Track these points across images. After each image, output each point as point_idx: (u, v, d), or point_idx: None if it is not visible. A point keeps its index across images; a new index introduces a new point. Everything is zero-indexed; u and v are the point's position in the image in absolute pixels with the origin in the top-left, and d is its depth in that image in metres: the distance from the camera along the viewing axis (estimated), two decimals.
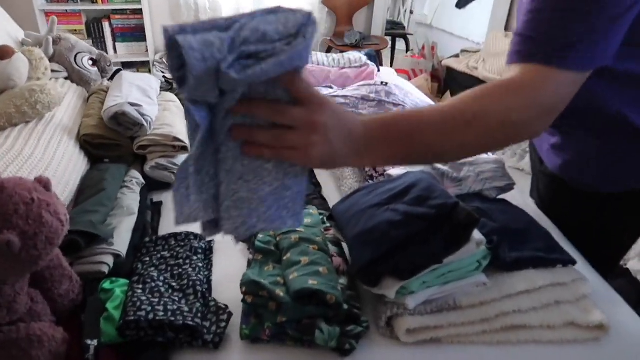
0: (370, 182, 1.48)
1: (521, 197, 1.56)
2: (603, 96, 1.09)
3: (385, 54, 4.42)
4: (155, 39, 4.06)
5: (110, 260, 1.16)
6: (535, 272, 1.15)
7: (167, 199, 1.54)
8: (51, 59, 1.75)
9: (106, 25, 3.87)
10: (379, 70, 2.34)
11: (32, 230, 0.80)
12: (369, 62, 2.25)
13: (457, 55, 4.36)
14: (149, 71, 3.95)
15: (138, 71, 4.06)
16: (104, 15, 3.87)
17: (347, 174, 1.57)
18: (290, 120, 0.70)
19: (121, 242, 1.22)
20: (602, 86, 1.05)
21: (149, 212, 1.45)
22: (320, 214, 1.39)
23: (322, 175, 1.65)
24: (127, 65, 4.06)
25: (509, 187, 1.43)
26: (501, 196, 1.42)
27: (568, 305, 1.12)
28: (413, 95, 2.02)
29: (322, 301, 1.03)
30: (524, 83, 0.90)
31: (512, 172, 1.48)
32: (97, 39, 3.90)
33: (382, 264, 1.07)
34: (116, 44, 4.00)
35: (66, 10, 3.75)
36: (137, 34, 3.95)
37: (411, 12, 6.04)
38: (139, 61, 4.02)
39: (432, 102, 2.19)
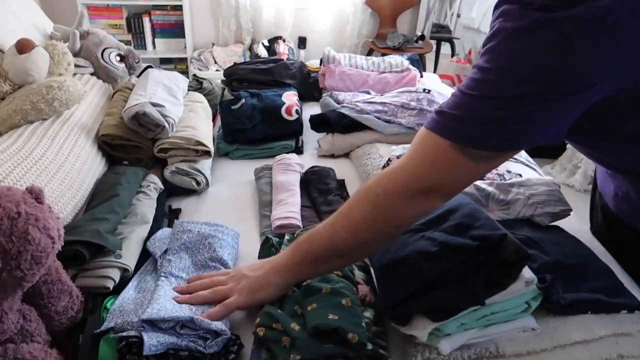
0: None
1: (576, 221, 1.38)
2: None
3: (430, 58, 4.24)
4: (194, 36, 4.02)
5: (116, 274, 1.07)
6: (594, 318, 0.99)
7: (186, 206, 1.44)
8: (77, 54, 1.69)
9: (146, 20, 3.86)
10: (421, 76, 2.19)
11: (15, 248, 0.71)
12: (411, 67, 2.10)
13: None
14: (186, 68, 3.93)
15: (176, 68, 4.05)
16: (144, 10, 3.86)
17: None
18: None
19: (130, 254, 1.12)
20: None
21: (166, 219, 1.36)
22: None
23: (353, 190, 1.52)
24: (165, 62, 4.05)
25: (565, 213, 1.26)
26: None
27: None
28: None
29: (343, 339, 0.90)
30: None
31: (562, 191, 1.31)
32: (137, 34, 3.90)
33: (413, 302, 0.93)
34: (155, 39, 3.99)
35: (107, 5, 3.77)
36: (176, 30, 3.92)
37: (458, 16, 5.81)
38: (177, 57, 4.00)
39: None
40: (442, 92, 1.87)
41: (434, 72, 4.46)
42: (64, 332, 0.98)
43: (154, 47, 4.04)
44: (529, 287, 0.95)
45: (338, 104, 1.78)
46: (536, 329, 0.97)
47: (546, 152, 3.44)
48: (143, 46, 3.95)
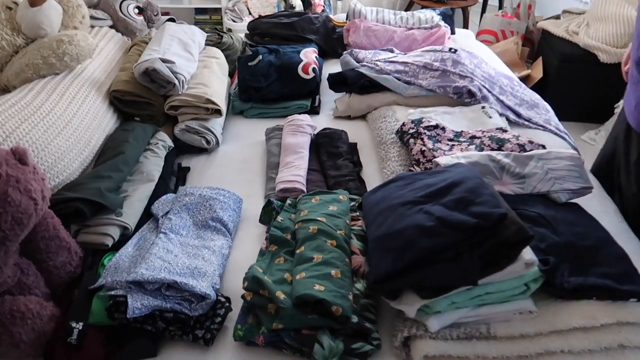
0: (416, 168, 1.29)
1: (599, 202, 1.29)
2: None
3: (475, 11, 3.99)
4: None
5: (116, 232, 1.09)
6: (598, 305, 0.93)
7: (195, 164, 1.44)
8: (96, 6, 1.68)
9: None
10: (453, 33, 2.06)
11: None
12: (442, 22, 1.97)
13: (557, 17, 3.83)
14: (221, 18, 3.87)
15: (210, 18, 3.99)
16: None
17: (392, 154, 1.38)
18: None
19: (132, 213, 1.14)
20: None
21: (173, 178, 1.37)
22: (352, 199, 1.23)
23: (365, 154, 1.47)
24: (199, 12, 4.00)
25: (585, 190, 1.18)
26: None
27: (637, 353, 0.90)
28: (487, 65, 1.74)
29: (327, 311, 0.89)
30: None
31: (584, 146, 1.22)
32: None
33: (403, 277, 0.90)
34: None
35: None
36: None
37: None
38: (212, 8, 3.93)
39: (511, 73, 1.89)
40: (471, 52, 1.75)
41: (479, 26, 4.19)
42: (64, 286, 1.02)
43: None
44: (529, 269, 0.90)
45: (358, 62, 1.70)
46: (533, 311, 0.92)
47: (591, 115, 3.22)
48: None
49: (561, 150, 1.23)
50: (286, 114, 1.63)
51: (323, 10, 3.55)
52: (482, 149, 1.29)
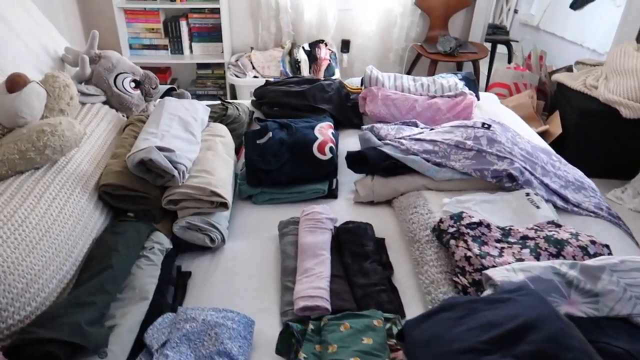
0: (461, 279, 1.08)
1: None
2: None
3: (483, 62, 3.88)
4: (232, 40, 3.84)
5: None
6: None
7: (198, 267, 1.24)
8: (88, 81, 1.51)
9: (183, 24, 3.71)
10: (478, 99, 1.89)
11: None
12: (466, 89, 1.80)
13: (569, 68, 3.72)
14: (223, 73, 3.76)
15: (213, 73, 3.88)
16: (182, 13, 3.71)
17: (429, 257, 1.17)
18: None
19: (120, 349, 0.92)
20: None
21: (171, 287, 1.15)
22: (388, 319, 1.01)
23: (396, 252, 1.26)
24: (201, 67, 3.89)
25: None
26: None
27: None
28: (522, 139, 1.56)
29: None
30: None
31: (633, 219, 1.02)
32: (174, 38, 3.76)
33: None
34: (192, 43, 3.83)
35: (144, 8, 3.63)
36: (213, 34, 3.75)
37: (515, 12, 5.38)
38: (214, 63, 3.83)
39: (546, 146, 1.72)
40: (505, 124, 1.57)
41: (487, 78, 4.09)
42: None
43: (191, 51, 3.88)
44: None
45: (380, 139, 1.52)
46: None
47: (614, 172, 3.05)
48: (180, 50, 3.80)
49: (637, 258, 1.02)
50: (301, 199, 1.44)
51: (329, 65, 3.44)
52: (538, 254, 1.09)
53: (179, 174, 1.22)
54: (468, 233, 1.14)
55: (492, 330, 0.80)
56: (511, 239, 1.15)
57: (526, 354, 0.74)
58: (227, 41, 3.76)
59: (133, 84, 1.55)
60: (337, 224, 1.31)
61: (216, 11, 3.66)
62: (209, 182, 1.26)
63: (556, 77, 3.38)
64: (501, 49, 4.39)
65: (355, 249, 1.21)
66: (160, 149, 1.21)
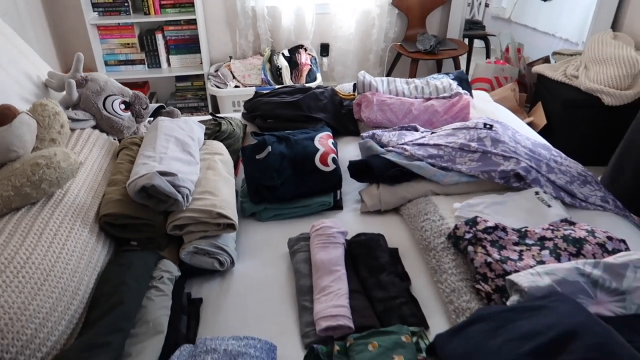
0: (483, 286, 1.06)
1: None
2: None
3: (462, 59, 3.90)
4: (210, 50, 3.79)
5: None
6: None
7: (209, 293, 1.19)
8: (76, 105, 1.45)
9: (159, 37, 3.63)
10: (472, 97, 1.88)
11: None
12: (460, 89, 1.79)
13: (546, 59, 3.77)
14: (203, 84, 3.70)
15: (192, 85, 3.81)
16: (157, 27, 3.63)
17: (447, 265, 1.15)
18: None
19: None
20: None
21: (184, 317, 1.11)
22: (413, 332, 0.99)
23: (410, 262, 1.24)
24: (180, 79, 3.82)
25: None
26: None
27: None
28: (522, 136, 1.56)
29: None
30: None
31: None
32: (150, 52, 3.68)
33: None
34: (170, 56, 3.76)
35: (118, 24, 3.54)
36: (191, 45, 3.68)
37: (486, 5, 5.44)
38: (193, 75, 3.76)
39: (545, 141, 1.72)
40: (504, 123, 1.57)
41: (466, 72, 4.12)
42: None
43: (169, 64, 3.81)
44: None
45: (382, 146, 1.50)
46: None
47: (598, 159, 3.10)
48: (157, 64, 3.72)
49: None
50: (307, 213, 1.41)
51: (310, 70, 3.41)
52: (558, 255, 1.08)
53: (183, 198, 1.18)
54: (485, 238, 1.12)
55: (531, 341, 0.77)
56: (529, 241, 1.13)
57: None
58: (205, 52, 3.70)
59: (123, 106, 1.49)
60: (348, 237, 1.28)
61: (192, 22, 3.60)
62: (214, 203, 1.22)
63: (536, 69, 3.42)
64: (478, 43, 4.44)
65: (370, 261, 1.18)
66: (162, 173, 1.16)
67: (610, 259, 1.01)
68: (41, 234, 1.01)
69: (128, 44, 3.69)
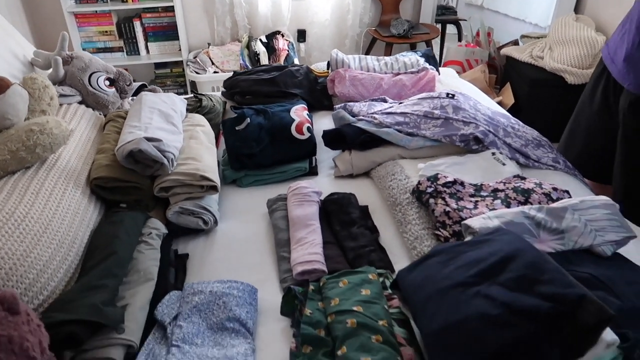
0: (442, 232, 1.18)
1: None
2: None
3: (434, 42, 4.03)
4: (188, 37, 3.83)
5: (119, 354, 0.92)
6: None
7: (194, 249, 1.29)
8: (62, 82, 1.53)
9: (137, 24, 3.66)
10: (438, 73, 2.00)
11: None
12: (427, 65, 1.91)
13: (515, 42, 3.92)
14: (182, 71, 3.75)
15: (171, 72, 3.86)
16: (134, 14, 3.66)
17: (411, 217, 1.27)
18: None
19: (135, 326, 0.97)
20: None
21: (172, 269, 1.21)
22: (380, 274, 1.10)
23: (379, 217, 1.36)
24: (159, 66, 3.86)
25: (627, 240, 1.10)
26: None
27: None
28: (483, 106, 1.69)
29: None
30: None
31: None
32: (129, 40, 3.71)
33: None
34: (148, 43, 3.79)
35: (96, 11, 3.57)
36: (169, 32, 3.72)
37: None
38: (172, 61, 3.81)
39: (504, 111, 1.85)
40: (466, 94, 1.69)
41: (440, 56, 4.25)
42: None
43: (147, 51, 3.84)
44: (609, 350, 0.80)
45: (353, 116, 1.61)
46: None
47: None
48: (136, 51, 3.76)
49: (593, 197, 1.15)
50: (284, 178, 1.51)
51: (288, 54, 3.50)
52: (508, 204, 1.21)
53: (168, 162, 1.27)
54: (445, 191, 1.24)
55: (477, 266, 0.90)
56: (483, 193, 1.26)
57: (509, 280, 0.84)
58: (183, 39, 3.75)
59: (107, 82, 1.57)
60: (322, 197, 1.39)
61: (170, 9, 3.63)
62: (197, 167, 1.31)
63: (504, 51, 3.57)
64: (451, 29, 4.57)
65: (342, 217, 1.30)
66: (148, 139, 1.25)
67: (552, 204, 1.14)
68: (38, 193, 1.10)
69: (106, 31, 3.71)
